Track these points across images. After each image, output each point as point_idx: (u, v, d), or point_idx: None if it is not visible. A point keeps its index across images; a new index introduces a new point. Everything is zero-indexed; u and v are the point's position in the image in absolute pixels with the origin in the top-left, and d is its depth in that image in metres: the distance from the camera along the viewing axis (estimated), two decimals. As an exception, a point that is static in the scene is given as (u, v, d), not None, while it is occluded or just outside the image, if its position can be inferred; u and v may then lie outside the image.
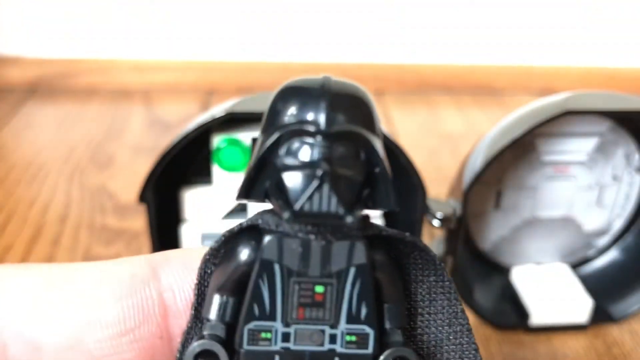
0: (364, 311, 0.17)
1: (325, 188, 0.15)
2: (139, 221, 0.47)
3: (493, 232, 0.39)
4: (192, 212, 0.35)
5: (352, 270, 0.16)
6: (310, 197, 0.15)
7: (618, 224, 0.41)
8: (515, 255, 0.41)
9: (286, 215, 0.15)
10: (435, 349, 0.18)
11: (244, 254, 0.17)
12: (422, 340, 0.18)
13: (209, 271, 0.17)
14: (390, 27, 0.72)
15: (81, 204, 0.49)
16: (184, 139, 0.32)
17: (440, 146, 0.60)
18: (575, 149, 0.37)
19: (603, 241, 0.41)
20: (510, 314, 0.39)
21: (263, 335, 0.17)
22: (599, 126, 0.37)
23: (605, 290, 0.40)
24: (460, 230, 0.35)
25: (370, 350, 0.17)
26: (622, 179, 0.39)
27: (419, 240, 0.17)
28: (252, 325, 0.16)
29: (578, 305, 0.38)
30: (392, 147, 0.31)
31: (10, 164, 0.55)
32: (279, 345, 0.17)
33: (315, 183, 0.15)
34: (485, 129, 0.35)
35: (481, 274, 0.40)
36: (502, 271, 0.41)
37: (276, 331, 0.17)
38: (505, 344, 0.38)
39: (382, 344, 0.17)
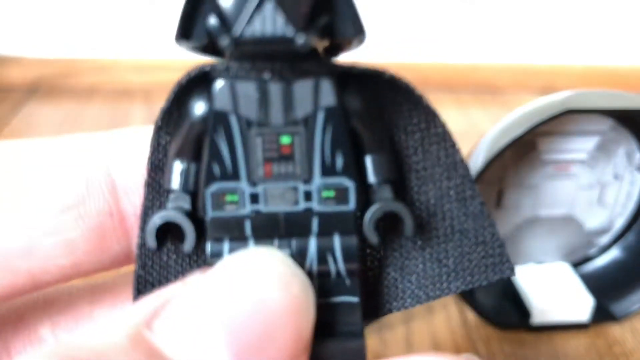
0: (339, 161, 0.14)
1: (269, 5, 0.13)
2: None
3: (494, 231, 0.39)
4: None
5: (321, 114, 0.14)
6: (250, 19, 0.13)
7: (619, 223, 0.41)
8: (517, 254, 0.41)
9: (224, 42, 0.13)
10: (435, 207, 0.16)
11: (197, 108, 0.14)
12: (420, 199, 0.16)
13: (162, 141, 0.15)
14: (391, 26, 0.72)
15: (82, 204, 0.49)
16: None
17: (441, 145, 0.60)
18: (576, 147, 0.37)
19: (604, 240, 0.41)
20: (511, 313, 0.39)
21: (229, 198, 0.14)
22: (600, 125, 0.36)
23: (607, 289, 0.40)
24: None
25: (351, 205, 0.15)
26: (624, 177, 0.39)
27: (400, 78, 0.15)
28: (214, 187, 0.14)
29: (579, 304, 0.38)
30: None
31: (11, 164, 0.55)
32: (248, 208, 0.14)
33: (254, 1, 0.13)
34: (486, 128, 0.35)
35: (482, 273, 0.40)
36: (503, 270, 0.41)
37: (243, 192, 0.14)
38: (507, 343, 0.37)
39: (368, 202, 0.15)
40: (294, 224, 0.15)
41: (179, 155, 0.15)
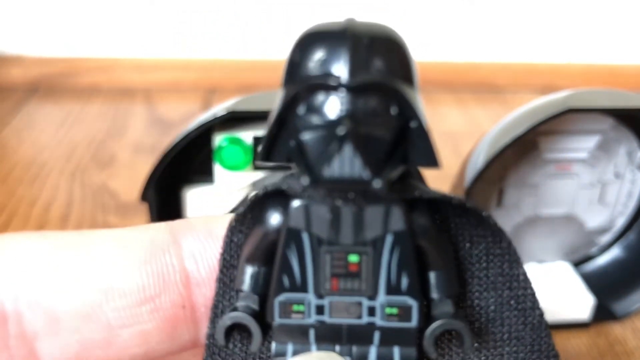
0: (404, 281, 0.15)
1: (348, 150, 0.13)
2: (140, 220, 0.47)
3: (495, 230, 0.39)
4: (194, 210, 0.35)
5: (390, 238, 0.15)
6: (330, 161, 0.13)
7: (620, 222, 0.41)
8: (517, 253, 0.40)
9: (305, 181, 0.14)
10: (494, 314, 0.16)
11: (273, 219, 0.15)
12: (480, 305, 0.16)
13: (235, 239, 0.16)
14: (391, 25, 0.72)
15: (83, 203, 0.49)
16: (186, 137, 0.32)
17: (442, 144, 0.60)
18: (577, 146, 0.37)
19: (605, 239, 0.41)
20: (512, 312, 0.39)
21: (295, 307, 0.15)
22: (601, 124, 0.36)
23: (608, 288, 0.40)
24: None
25: (414, 323, 0.15)
26: (624, 176, 0.39)
27: (468, 201, 0.15)
28: (282, 297, 0.15)
29: (580, 303, 0.38)
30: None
31: (12, 163, 0.55)
32: (313, 318, 0.15)
33: (335, 145, 0.13)
34: (487, 127, 0.35)
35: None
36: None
37: (309, 303, 0.15)
38: (508, 342, 0.37)
39: (430, 316, 0.15)
40: (356, 335, 0.15)
41: (251, 259, 0.16)
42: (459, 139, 0.61)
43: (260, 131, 0.33)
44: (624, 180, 0.39)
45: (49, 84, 0.70)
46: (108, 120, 0.64)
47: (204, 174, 0.35)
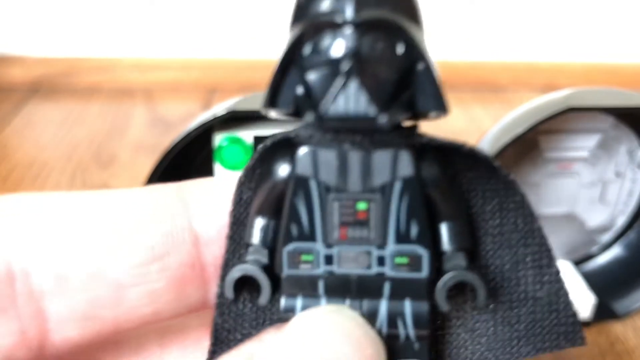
0: (414, 229, 0.15)
1: (353, 86, 0.13)
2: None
3: (496, 229, 0.39)
4: (195, 210, 0.35)
5: (398, 184, 0.14)
6: (336, 98, 0.13)
7: (621, 221, 0.41)
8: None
9: (309, 118, 0.13)
10: (510, 273, 0.16)
11: (281, 170, 0.15)
12: (495, 263, 0.16)
13: (244, 196, 0.16)
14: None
15: (84, 203, 0.49)
16: (186, 137, 0.32)
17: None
18: (577, 145, 0.37)
19: (606, 238, 0.41)
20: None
21: (304, 257, 0.15)
22: (601, 123, 0.36)
23: (608, 286, 0.40)
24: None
25: (424, 273, 0.15)
26: (625, 175, 0.39)
27: (479, 150, 0.15)
28: (291, 247, 0.15)
29: (581, 302, 0.38)
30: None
31: (12, 163, 0.55)
32: (322, 268, 0.15)
33: (340, 80, 0.13)
34: (488, 126, 0.35)
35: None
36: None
37: (318, 253, 0.15)
38: (508, 341, 0.37)
39: (442, 270, 0.15)
40: (366, 287, 0.15)
41: (260, 211, 0.15)
42: (460, 137, 0.61)
43: (261, 131, 0.33)
44: (625, 179, 0.39)
45: (50, 84, 0.70)
46: (109, 120, 0.64)
47: (205, 174, 0.35)
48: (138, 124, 0.63)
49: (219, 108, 0.32)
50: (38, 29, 0.71)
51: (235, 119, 0.32)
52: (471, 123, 0.65)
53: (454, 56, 0.74)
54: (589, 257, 0.42)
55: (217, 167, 0.33)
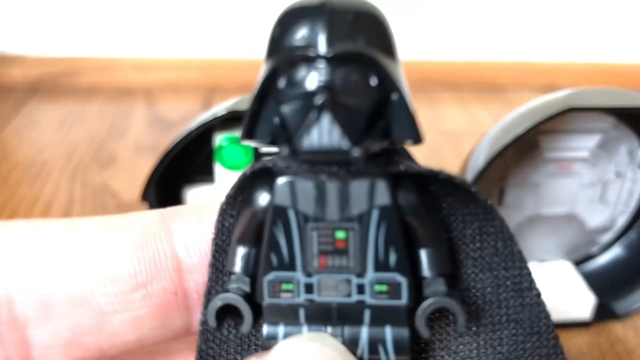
0: (392, 257, 0.15)
1: (326, 119, 0.13)
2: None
3: (496, 230, 0.39)
4: (195, 210, 0.35)
5: (375, 212, 0.14)
6: (309, 131, 0.13)
7: (621, 221, 0.41)
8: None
9: (285, 152, 0.14)
10: (491, 296, 0.16)
11: (261, 198, 0.15)
12: (476, 287, 0.16)
13: (226, 224, 0.16)
14: (391, 24, 0.71)
15: (83, 203, 0.49)
16: (186, 137, 0.32)
17: (442, 143, 0.60)
18: (578, 145, 0.37)
19: (606, 238, 0.41)
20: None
21: (284, 287, 0.15)
22: (601, 123, 0.36)
23: (609, 287, 0.40)
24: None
25: (403, 301, 0.15)
26: (625, 175, 0.39)
27: (456, 177, 0.15)
28: (271, 276, 0.15)
29: (581, 302, 0.38)
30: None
31: (12, 163, 0.55)
32: (302, 297, 0.15)
33: (314, 114, 0.13)
34: (488, 126, 0.35)
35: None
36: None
37: (298, 282, 0.15)
38: (509, 342, 0.37)
39: (422, 296, 0.15)
40: (347, 314, 0.15)
41: (242, 240, 0.16)
42: (460, 138, 0.61)
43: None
44: (625, 179, 0.39)
45: (50, 84, 0.70)
46: (108, 119, 0.64)
47: (205, 174, 0.35)
48: (138, 124, 0.63)
49: (219, 108, 0.32)
50: (38, 29, 0.71)
51: (235, 119, 0.32)
52: (471, 123, 0.65)
53: (454, 56, 0.74)
54: (589, 257, 0.42)
55: (217, 167, 0.33)
